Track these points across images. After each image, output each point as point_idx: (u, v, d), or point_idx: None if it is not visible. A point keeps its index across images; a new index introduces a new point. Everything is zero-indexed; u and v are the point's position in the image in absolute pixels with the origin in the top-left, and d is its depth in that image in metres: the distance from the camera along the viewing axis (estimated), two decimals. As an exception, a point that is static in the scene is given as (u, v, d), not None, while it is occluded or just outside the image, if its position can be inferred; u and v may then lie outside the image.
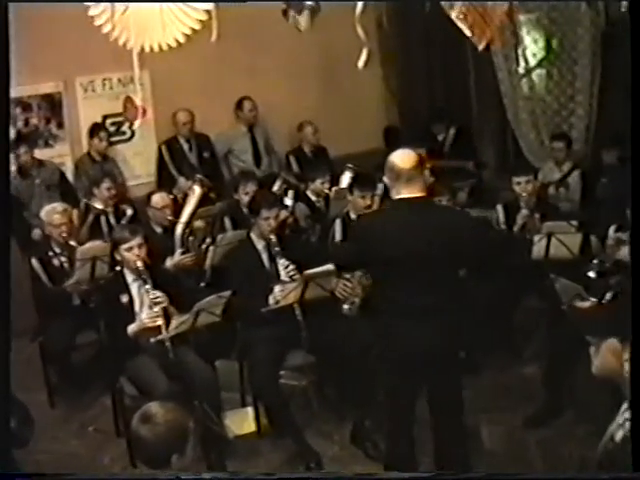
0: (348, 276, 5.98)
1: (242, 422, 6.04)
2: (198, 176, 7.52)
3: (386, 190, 7.09)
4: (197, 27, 4.59)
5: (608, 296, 2.55)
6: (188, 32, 4.58)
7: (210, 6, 4.63)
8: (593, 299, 2.78)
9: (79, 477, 4.47)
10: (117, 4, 4.52)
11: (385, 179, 4.81)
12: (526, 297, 6.87)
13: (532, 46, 9.55)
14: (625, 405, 2.53)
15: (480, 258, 5.06)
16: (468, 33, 4.96)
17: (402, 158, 4.68)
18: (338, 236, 6.66)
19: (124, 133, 9.09)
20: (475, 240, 5.01)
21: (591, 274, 5.58)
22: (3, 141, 3.79)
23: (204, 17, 4.58)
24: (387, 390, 4.98)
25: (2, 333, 3.53)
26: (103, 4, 4.56)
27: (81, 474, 5.21)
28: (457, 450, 5.03)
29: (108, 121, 8.94)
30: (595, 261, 5.73)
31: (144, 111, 8.07)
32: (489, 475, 4.61)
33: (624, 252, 5.79)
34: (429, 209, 4.86)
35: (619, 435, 2.52)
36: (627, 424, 2.49)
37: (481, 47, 5.23)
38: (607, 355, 2.52)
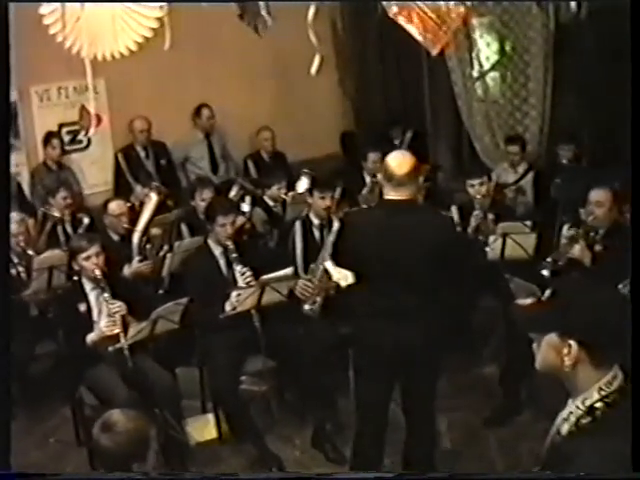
0: (309, 276, 6.02)
1: (203, 429, 6.02)
2: (155, 184, 7.52)
3: (343, 193, 7.20)
4: (149, 35, 4.59)
5: (547, 293, 2.59)
6: (140, 40, 4.58)
7: (162, 13, 4.63)
8: (534, 297, 2.84)
9: (80, 477, 4.49)
10: (70, 12, 4.51)
11: (379, 176, 4.87)
12: (483, 297, 6.91)
13: (485, 49, 9.61)
14: (570, 400, 2.58)
15: (460, 259, 5.09)
16: (418, 37, 4.98)
17: (398, 162, 4.72)
18: (299, 239, 6.66)
19: (80, 142, 9.04)
20: (455, 242, 5.05)
21: (545, 272, 5.66)
22: (3, 142, 3.78)
23: (156, 25, 4.58)
24: (360, 391, 5.01)
25: (1, 334, 3.53)
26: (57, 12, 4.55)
27: (81, 474, 5.26)
28: (425, 450, 5.10)
29: (64, 130, 8.90)
30: (549, 259, 5.81)
31: (99, 119, 8.03)
32: (452, 475, 4.64)
33: (577, 250, 5.87)
34: (413, 211, 4.88)
35: (564, 429, 2.57)
36: (572, 418, 2.54)
37: (435, 52, 5.26)
38: (548, 350, 2.56)
